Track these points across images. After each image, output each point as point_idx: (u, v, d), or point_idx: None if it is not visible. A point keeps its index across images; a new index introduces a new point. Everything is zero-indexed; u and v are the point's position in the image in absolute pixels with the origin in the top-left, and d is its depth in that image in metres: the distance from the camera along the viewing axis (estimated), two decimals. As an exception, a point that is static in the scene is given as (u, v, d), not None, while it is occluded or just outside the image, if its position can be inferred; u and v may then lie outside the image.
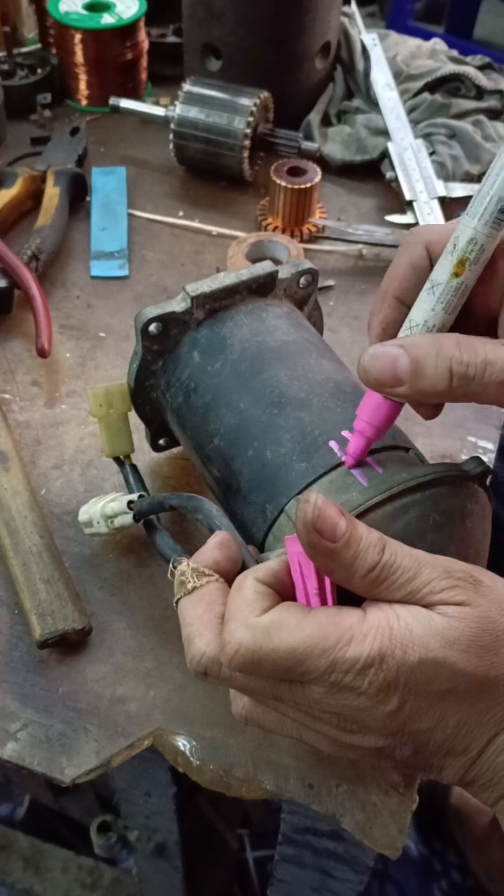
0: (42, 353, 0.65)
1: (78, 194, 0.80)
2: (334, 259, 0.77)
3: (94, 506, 0.53)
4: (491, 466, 0.53)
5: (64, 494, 0.58)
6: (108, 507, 0.52)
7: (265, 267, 0.51)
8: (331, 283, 0.75)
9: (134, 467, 0.55)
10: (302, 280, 0.53)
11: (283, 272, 0.52)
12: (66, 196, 0.77)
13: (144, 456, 0.59)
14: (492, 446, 0.63)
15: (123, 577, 0.54)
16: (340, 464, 0.42)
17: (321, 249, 0.77)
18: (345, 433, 0.43)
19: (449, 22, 2.34)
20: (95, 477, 0.59)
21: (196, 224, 0.79)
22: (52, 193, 0.76)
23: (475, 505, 0.42)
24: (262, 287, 0.51)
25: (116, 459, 0.55)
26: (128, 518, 0.52)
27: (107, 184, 0.82)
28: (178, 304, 0.49)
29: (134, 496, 0.52)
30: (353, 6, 0.93)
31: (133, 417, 0.54)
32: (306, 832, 0.53)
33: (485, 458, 0.59)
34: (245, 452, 0.45)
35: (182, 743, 0.47)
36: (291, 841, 0.56)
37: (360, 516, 0.38)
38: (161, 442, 0.58)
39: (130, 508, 0.52)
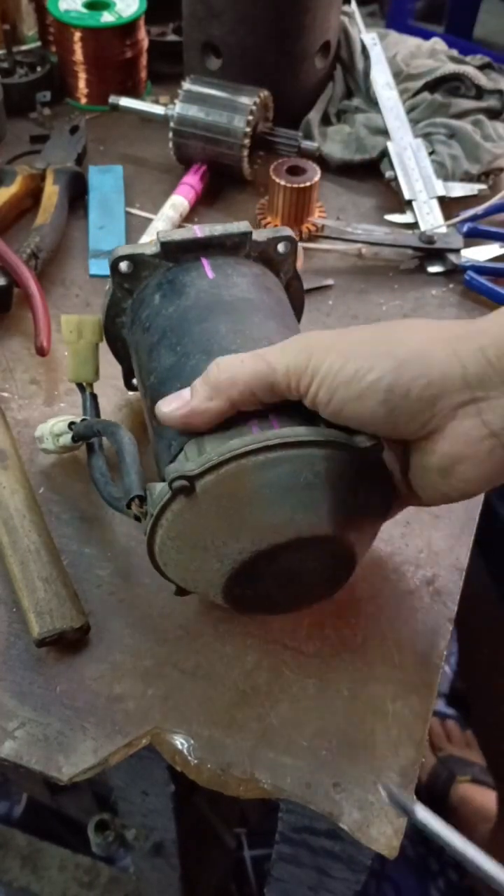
0: (41, 352, 0.65)
1: (77, 193, 0.79)
2: (333, 258, 0.77)
3: (46, 424, 0.58)
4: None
5: (62, 493, 0.58)
6: (56, 426, 0.57)
7: (240, 226, 0.53)
8: (330, 282, 0.75)
9: (94, 396, 0.58)
10: (280, 246, 0.54)
11: (260, 236, 0.54)
12: (66, 194, 0.77)
13: (121, 393, 0.62)
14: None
15: (122, 576, 0.54)
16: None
17: (320, 248, 0.77)
18: None
19: (449, 21, 2.33)
20: (94, 475, 0.59)
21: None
22: (52, 192, 0.76)
23: (360, 477, 0.44)
24: (236, 246, 0.53)
25: (79, 386, 0.58)
26: (69, 437, 0.56)
27: (104, 182, 0.82)
28: (149, 248, 0.53)
29: (77, 418, 0.56)
30: (353, 5, 0.93)
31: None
32: (303, 831, 0.53)
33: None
34: (168, 392, 0.47)
35: (180, 741, 0.47)
36: (289, 840, 0.56)
37: (232, 459, 0.42)
38: (134, 381, 0.60)
39: (71, 429, 0.56)
